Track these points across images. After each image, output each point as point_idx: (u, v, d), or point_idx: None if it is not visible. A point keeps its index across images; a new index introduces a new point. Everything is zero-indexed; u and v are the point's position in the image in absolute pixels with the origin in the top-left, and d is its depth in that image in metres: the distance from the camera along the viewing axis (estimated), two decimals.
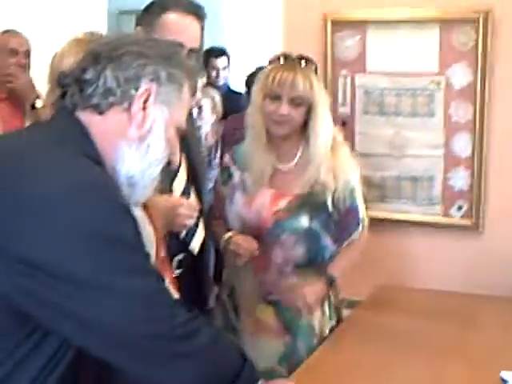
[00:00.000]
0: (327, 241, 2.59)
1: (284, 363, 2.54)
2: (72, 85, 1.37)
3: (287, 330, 2.58)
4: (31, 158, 1.28)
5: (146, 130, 1.36)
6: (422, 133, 3.37)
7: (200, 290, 2.46)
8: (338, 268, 2.65)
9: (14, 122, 3.38)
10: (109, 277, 1.24)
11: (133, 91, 1.35)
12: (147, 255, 1.35)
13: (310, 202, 2.55)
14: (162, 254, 2.01)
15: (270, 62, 2.59)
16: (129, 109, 1.36)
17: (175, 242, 2.24)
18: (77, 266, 1.21)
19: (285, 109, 2.47)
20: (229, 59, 5.56)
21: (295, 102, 2.49)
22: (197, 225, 2.31)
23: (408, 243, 3.42)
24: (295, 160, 2.61)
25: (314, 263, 2.59)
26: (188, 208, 2.13)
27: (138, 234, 1.31)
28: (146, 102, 1.36)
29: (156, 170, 1.41)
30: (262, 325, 2.58)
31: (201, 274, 2.46)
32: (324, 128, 2.55)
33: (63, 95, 1.40)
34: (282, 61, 2.55)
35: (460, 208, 3.35)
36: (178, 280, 2.23)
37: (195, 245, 2.33)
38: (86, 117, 1.36)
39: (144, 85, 1.36)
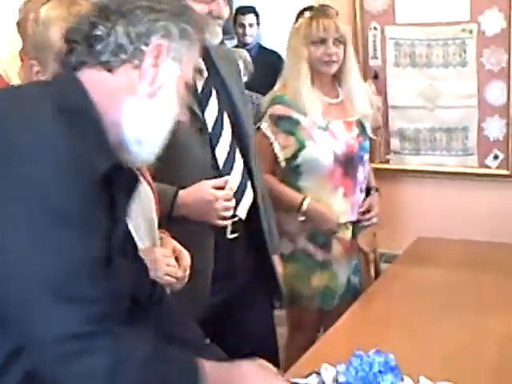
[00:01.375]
0: None
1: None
2: (80, 41, 1.31)
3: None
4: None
5: (156, 86, 1.32)
6: (455, 83, 3.32)
7: (256, 257, 2.40)
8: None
9: None
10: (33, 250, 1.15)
11: (144, 47, 1.30)
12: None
13: (363, 127, 2.91)
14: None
15: (300, 15, 2.89)
16: (139, 65, 1.31)
17: None
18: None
19: (332, 49, 2.76)
20: (258, 17, 5.50)
21: (338, 42, 2.78)
22: (244, 188, 2.29)
23: (444, 195, 3.40)
24: (340, 93, 2.87)
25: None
26: (225, 199, 2.17)
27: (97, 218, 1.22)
28: (157, 58, 1.31)
29: (166, 128, 1.36)
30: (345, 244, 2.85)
31: (255, 240, 2.39)
32: (355, 61, 2.91)
33: (69, 52, 1.33)
34: (317, 10, 2.89)
35: (496, 157, 3.31)
36: (232, 245, 2.24)
37: (242, 209, 2.29)
38: (94, 74, 1.30)
39: (155, 41, 1.31)
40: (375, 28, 3.44)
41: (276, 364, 2.28)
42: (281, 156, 2.76)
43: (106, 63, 1.30)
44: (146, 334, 1.31)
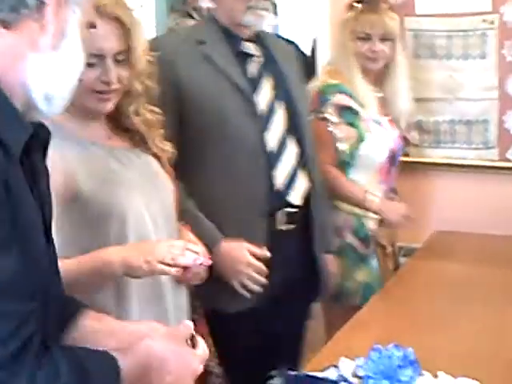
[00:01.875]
0: None
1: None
2: None
3: None
4: None
5: (60, 37, 1.22)
6: (475, 75, 3.28)
7: (309, 249, 2.40)
8: None
9: None
10: None
11: None
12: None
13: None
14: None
15: (350, 7, 2.82)
16: (40, 17, 1.20)
17: (275, 195, 2.23)
18: None
19: (378, 46, 2.75)
20: (275, 7, 5.47)
21: (385, 38, 2.76)
22: (295, 175, 2.28)
23: (464, 188, 3.36)
24: (385, 88, 2.86)
25: None
26: (255, 269, 2.17)
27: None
28: (58, 7, 1.21)
29: (75, 78, 1.27)
30: None
31: (308, 231, 2.38)
32: (404, 58, 2.90)
33: None
34: (366, 3, 2.80)
35: None
36: (284, 236, 2.22)
37: (295, 196, 2.28)
38: None
39: None
40: None
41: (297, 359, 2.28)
42: (342, 148, 2.72)
43: (3, 21, 1.17)
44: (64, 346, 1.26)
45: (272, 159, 2.23)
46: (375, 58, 2.78)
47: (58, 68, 1.22)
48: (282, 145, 2.26)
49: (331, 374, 1.80)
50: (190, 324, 1.39)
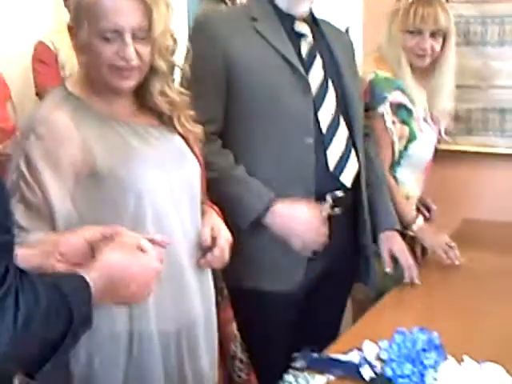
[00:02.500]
0: None
1: None
2: None
3: None
4: None
5: None
6: (511, 62, 3.23)
7: (355, 234, 2.38)
8: None
9: None
10: None
11: None
12: None
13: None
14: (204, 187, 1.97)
15: None
16: None
17: (324, 175, 2.19)
18: None
19: (427, 42, 2.59)
20: None
21: (436, 34, 2.61)
22: (348, 155, 2.25)
23: (495, 177, 3.32)
24: (429, 83, 2.71)
25: None
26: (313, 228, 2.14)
27: None
28: None
29: None
30: None
31: (356, 214, 2.36)
32: (454, 54, 2.71)
33: None
34: None
35: None
36: (332, 219, 2.19)
37: (347, 177, 2.24)
38: None
39: None
40: None
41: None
42: (398, 147, 2.63)
43: None
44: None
45: (325, 139, 2.20)
46: (423, 55, 2.63)
47: None
48: (334, 124, 2.23)
49: (354, 356, 1.79)
50: (135, 234, 1.44)
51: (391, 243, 2.42)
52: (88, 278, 1.25)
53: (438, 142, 3.09)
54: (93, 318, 1.25)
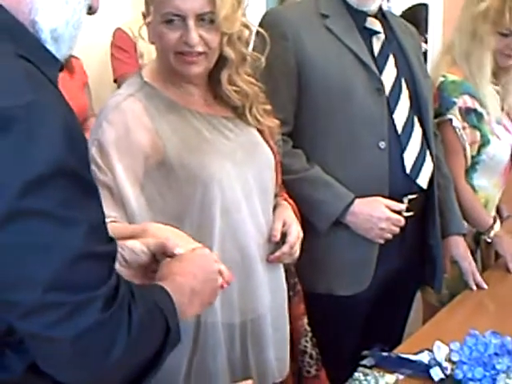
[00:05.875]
0: None
1: None
2: None
3: None
4: None
5: None
6: None
7: (424, 235, 2.34)
8: None
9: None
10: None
11: None
12: None
13: None
14: (279, 180, 1.96)
15: None
16: None
17: (400, 177, 2.16)
18: None
19: None
20: None
21: None
22: (424, 156, 2.21)
23: None
24: (502, 79, 2.60)
25: None
26: (393, 223, 2.12)
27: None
28: None
29: (81, 16, 1.23)
30: None
31: (426, 215, 2.31)
32: None
33: None
34: None
35: None
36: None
37: (424, 179, 2.22)
38: None
39: None
40: None
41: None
42: (470, 153, 2.55)
43: None
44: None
45: (401, 141, 2.16)
46: (510, 56, 2.51)
47: (63, 5, 1.19)
48: (409, 125, 2.19)
49: (424, 357, 1.77)
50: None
51: (453, 248, 2.40)
52: (169, 290, 1.22)
53: None
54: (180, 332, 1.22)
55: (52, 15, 1.18)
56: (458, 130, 2.49)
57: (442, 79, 2.53)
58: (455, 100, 2.49)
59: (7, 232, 0.97)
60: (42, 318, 0.99)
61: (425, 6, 4.53)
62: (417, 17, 3.92)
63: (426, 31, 3.67)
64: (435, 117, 2.42)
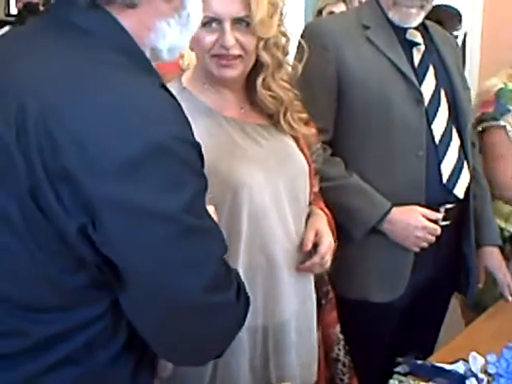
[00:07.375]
0: None
1: None
2: None
3: None
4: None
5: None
6: None
7: (460, 246, 2.35)
8: None
9: None
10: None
11: None
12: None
13: None
14: (315, 188, 1.97)
15: None
16: None
17: (437, 187, 2.16)
18: None
19: None
20: None
21: None
22: (461, 166, 2.21)
23: None
24: None
25: None
26: (429, 232, 2.13)
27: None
28: None
29: (194, 30, 1.31)
30: None
31: (461, 224, 2.31)
32: None
33: None
34: None
35: None
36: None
37: (460, 189, 2.20)
38: (125, 13, 1.20)
39: None
40: None
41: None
42: None
43: (130, 3, 1.20)
44: None
45: (439, 151, 2.16)
46: None
47: (184, 28, 1.27)
48: (447, 135, 2.19)
49: (459, 367, 1.77)
50: None
51: (488, 259, 2.39)
52: None
53: None
54: None
55: (171, 37, 1.26)
56: (510, 135, 2.50)
57: (501, 86, 2.54)
58: (510, 108, 2.50)
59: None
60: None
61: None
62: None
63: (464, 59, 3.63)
64: (486, 120, 2.43)
